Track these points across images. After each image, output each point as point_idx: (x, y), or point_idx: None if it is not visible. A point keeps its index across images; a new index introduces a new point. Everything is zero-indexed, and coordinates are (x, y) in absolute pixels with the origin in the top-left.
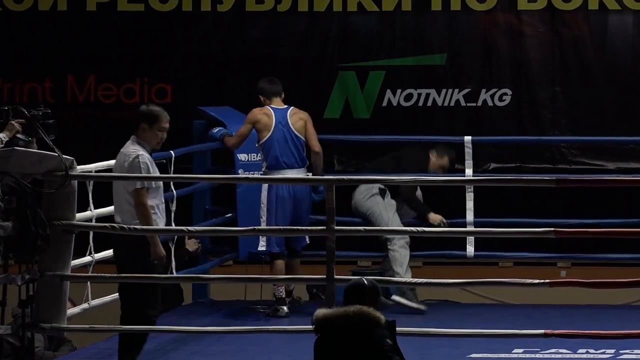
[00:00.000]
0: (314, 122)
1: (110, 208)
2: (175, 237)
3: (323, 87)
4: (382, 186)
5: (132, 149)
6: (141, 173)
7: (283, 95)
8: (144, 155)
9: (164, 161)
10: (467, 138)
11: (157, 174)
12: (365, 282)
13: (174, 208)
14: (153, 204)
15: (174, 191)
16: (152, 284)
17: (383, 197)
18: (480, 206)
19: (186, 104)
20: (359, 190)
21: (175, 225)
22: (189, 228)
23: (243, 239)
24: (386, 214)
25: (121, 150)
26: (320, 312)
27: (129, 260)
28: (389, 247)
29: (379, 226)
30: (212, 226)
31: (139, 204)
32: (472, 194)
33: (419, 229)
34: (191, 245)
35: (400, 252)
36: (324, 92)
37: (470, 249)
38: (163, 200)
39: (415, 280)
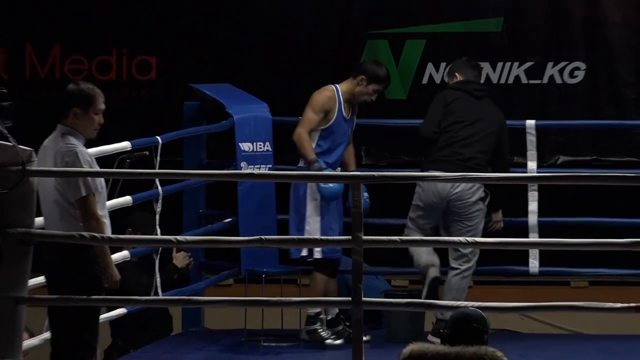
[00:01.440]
0: None
1: None
2: (160, 248)
3: (347, 59)
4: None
5: (67, 144)
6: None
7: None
8: (84, 151)
9: (146, 153)
10: (530, 123)
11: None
12: (472, 313)
13: (159, 209)
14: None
15: (160, 189)
16: (92, 319)
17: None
18: (543, 204)
19: (175, 81)
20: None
21: (161, 233)
22: (178, 237)
23: (246, 251)
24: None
25: (45, 144)
26: (437, 349)
27: (65, 288)
28: (457, 269)
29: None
30: (207, 234)
31: (89, 215)
32: (536, 193)
33: (469, 239)
34: (180, 260)
35: (466, 280)
36: (349, 65)
37: (534, 264)
38: (107, 212)
39: (464, 304)
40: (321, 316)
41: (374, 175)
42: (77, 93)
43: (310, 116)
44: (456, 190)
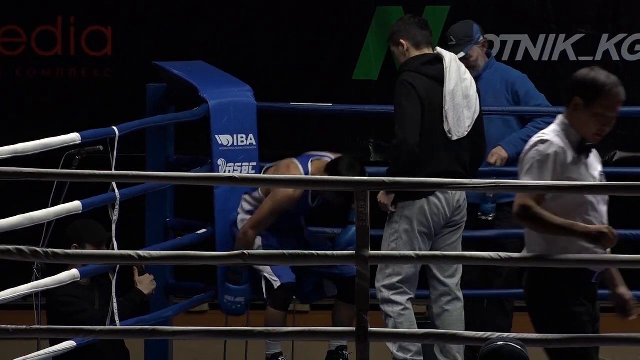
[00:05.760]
0: (340, 85)
1: (10, 220)
2: (118, 267)
3: (353, 31)
4: None
5: (542, 132)
6: (541, 169)
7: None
8: (553, 145)
9: (100, 147)
10: None
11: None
12: (511, 349)
13: (115, 217)
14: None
15: (117, 192)
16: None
17: None
18: None
19: (136, 58)
20: None
21: (118, 248)
22: (140, 252)
23: (225, 270)
24: None
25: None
26: None
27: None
28: (460, 299)
29: None
30: (176, 249)
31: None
32: None
33: (502, 254)
34: (147, 284)
35: None
36: (354, 39)
37: None
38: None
39: (499, 335)
40: (280, 358)
41: (384, 182)
42: (581, 80)
43: (267, 218)
44: (462, 202)
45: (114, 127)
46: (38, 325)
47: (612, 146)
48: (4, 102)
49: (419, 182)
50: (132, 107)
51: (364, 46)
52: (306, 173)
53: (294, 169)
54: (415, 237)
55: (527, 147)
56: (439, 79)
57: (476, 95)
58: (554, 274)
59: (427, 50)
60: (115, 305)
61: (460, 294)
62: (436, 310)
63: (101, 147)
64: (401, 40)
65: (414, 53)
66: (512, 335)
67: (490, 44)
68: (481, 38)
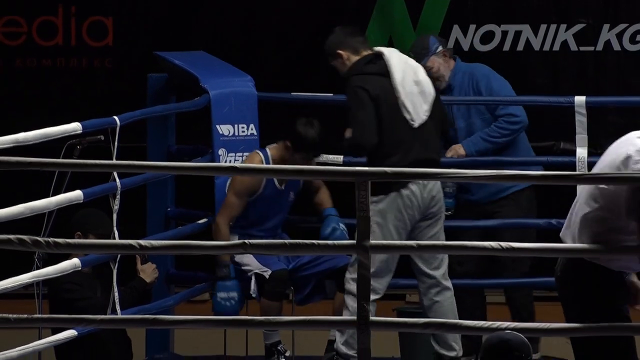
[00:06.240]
0: (341, 76)
1: (11, 210)
2: (119, 256)
3: (354, 21)
4: None
5: (637, 138)
6: None
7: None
8: None
9: (101, 137)
10: (580, 100)
11: None
12: (512, 338)
13: (116, 206)
14: None
15: (118, 181)
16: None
17: None
18: None
19: (136, 48)
20: None
21: (119, 237)
22: (141, 242)
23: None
24: None
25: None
26: None
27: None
28: (450, 288)
29: None
30: (177, 238)
31: None
32: None
33: (503, 244)
34: (149, 273)
35: None
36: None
37: None
38: None
39: (498, 324)
40: (279, 347)
41: (385, 172)
42: None
43: (232, 201)
44: (435, 193)
45: (115, 117)
46: (39, 314)
47: (613, 135)
48: (4, 91)
49: (420, 173)
50: (133, 97)
51: (365, 36)
52: (266, 157)
53: (254, 156)
54: (388, 231)
55: (624, 150)
56: (385, 73)
57: (427, 79)
58: (596, 273)
59: (366, 52)
60: (116, 294)
61: (448, 283)
62: (426, 302)
63: (102, 137)
64: (339, 52)
65: (355, 59)
66: (512, 325)
67: (490, 34)
68: (440, 48)
